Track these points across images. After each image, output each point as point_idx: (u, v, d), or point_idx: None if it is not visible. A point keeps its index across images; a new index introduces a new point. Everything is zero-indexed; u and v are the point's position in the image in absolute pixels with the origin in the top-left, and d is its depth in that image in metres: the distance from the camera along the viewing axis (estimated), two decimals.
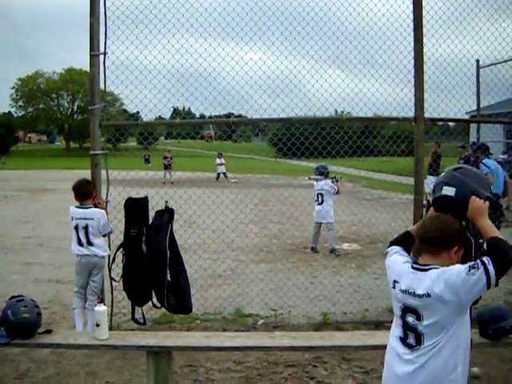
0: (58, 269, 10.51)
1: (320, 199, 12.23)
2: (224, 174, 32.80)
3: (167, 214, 6.29)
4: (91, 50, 6.70)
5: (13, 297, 4.96)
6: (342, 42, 7.24)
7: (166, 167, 31.93)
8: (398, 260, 3.33)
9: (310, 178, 13.48)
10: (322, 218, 12.23)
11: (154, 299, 6.41)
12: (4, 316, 4.74)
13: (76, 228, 6.67)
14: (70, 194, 6.86)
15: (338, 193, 12.36)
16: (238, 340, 5.19)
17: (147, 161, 36.88)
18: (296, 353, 6.14)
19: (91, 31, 6.66)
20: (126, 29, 6.71)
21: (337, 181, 12.44)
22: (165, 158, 32.74)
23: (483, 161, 11.87)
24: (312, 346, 5.14)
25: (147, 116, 7.37)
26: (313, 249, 12.28)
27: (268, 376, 5.93)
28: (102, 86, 6.83)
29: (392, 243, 3.57)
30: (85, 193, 6.73)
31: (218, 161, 33.18)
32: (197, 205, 8.98)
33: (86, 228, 6.63)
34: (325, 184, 12.28)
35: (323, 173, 12.40)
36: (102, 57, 6.73)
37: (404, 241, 3.55)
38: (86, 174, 7.27)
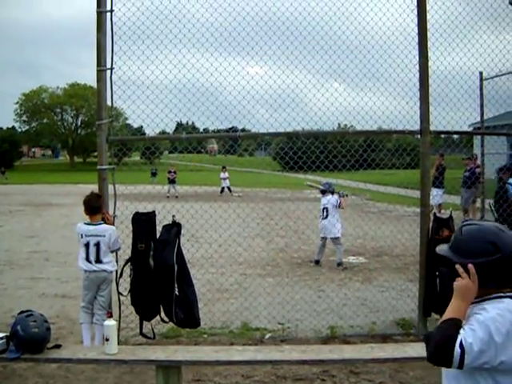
0: (65, 283, 10.51)
1: (325, 213, 12.29)
2: (228, 188, 32.80)
3: (175, 228, 6.31)
4: (98, 65, 6.71)
5: (22, 312, 4.97)
6: (347, 56, 7.28)
7: (171, 181, 31.95)
8: (503, 314, 2.45)
9: (307, 184, 13.56)
10: (327, 233, 12.26)
11: (162, 314, 6.41)
12: (13, 331, 4.74)
13: (86, 245, 6.56)
14: (75, 208, 6.86)
15: (340, 207, 12.38)
16: (247, 354, 5.17)
17: (154, 175, 37.00)
18: (304, 366, 6.12)
19: (98, 46, 6.68)
20: (133, 44, 6.76)
21: (342, 197, 12.50)
22: (169, 172, 32.79)
23: (508, 181, 11.81)
24: (321, 360, 5.13)
25: (154, 131, 7.39)
26: (317, 262, 12.27)
27: None
28: (108, 101, 6.86)
29: (449, 342, 2.40)
30: (96, 207, 6.62)
31: (222, 175, 33.20)
32: (204, 219, 8.98)
33: (97, 245, 6.52)
34: (331, 198, 12.35)
35: (328, 190, 12.51)
36: (108, 72, 6.74)
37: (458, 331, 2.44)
38: (90, 188, 7.26)
